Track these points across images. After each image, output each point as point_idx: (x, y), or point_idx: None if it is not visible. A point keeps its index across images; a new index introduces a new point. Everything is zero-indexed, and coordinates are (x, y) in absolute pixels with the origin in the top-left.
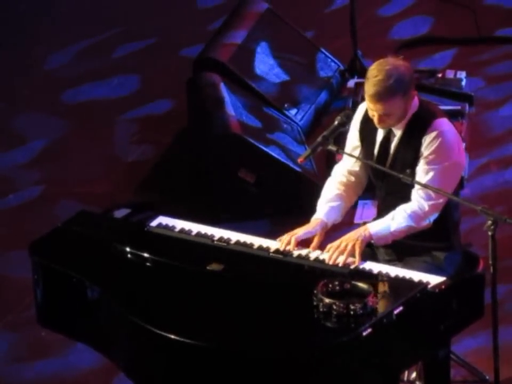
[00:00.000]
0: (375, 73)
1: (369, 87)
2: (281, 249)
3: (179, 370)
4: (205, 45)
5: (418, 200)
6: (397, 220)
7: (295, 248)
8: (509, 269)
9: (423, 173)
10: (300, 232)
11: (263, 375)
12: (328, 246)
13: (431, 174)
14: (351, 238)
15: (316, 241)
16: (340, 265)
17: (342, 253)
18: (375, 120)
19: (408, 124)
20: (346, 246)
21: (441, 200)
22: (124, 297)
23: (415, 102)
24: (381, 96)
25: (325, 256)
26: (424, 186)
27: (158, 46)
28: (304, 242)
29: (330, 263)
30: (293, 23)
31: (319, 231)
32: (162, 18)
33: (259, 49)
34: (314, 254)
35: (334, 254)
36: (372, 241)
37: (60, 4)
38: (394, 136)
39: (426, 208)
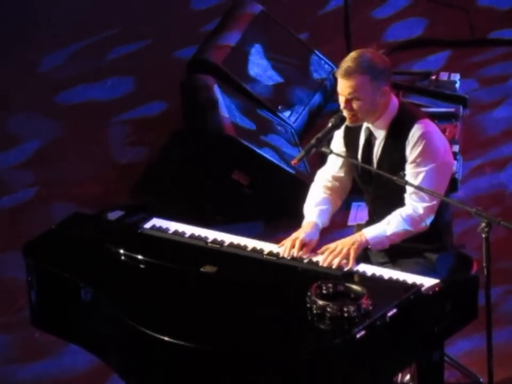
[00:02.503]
0: (353, 54)
1: (342, 64)
2: (286, 255)
3: (173, 372)
4: (199, 47)
5: (412, 204)
6: (392, 224)
7: (300, 252)
8: (502, 271)
9: (412, 177)
10: (301, 235)
11: (256, 377)
12: (324, 247)
13: (420, 177)
14: (346, 243)
15: (310, 245)
16: (333, 268)
17: (336, 256)
18: (342, 106)
19: (390, 127)
20: (341, 249)
21: (435, 202)
22: (118, 299)
23: (395, 104)
24: (350, 71)
25: (319, 258)
26: (418, 188)
27: (152, 48)
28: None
29: (324, 265)
30: (287, 25)
31: (317, 234)
32: (156, 20)
33: (253, 51)
34: (311, 257)
35: (328, 257)
36: (369, 246)
37: (54, 5)
38: (376, 139)
39: (421, 211)
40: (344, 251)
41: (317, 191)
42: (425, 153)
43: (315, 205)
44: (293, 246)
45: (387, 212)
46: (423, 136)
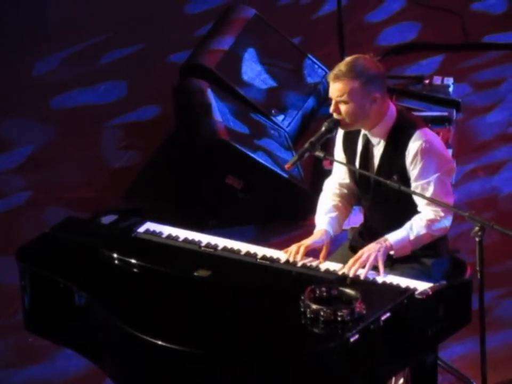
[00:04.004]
0: (347, 58)
1: (335, 67)
2: (290, 259)
3: (166, 376)
4: (192, 51)
5: (432, 210)
6: (415, 229)
7: (304, 258)
8: (496, 275)
9: (423, 189)
10: (308, 241)
11: (250, 382)
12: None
13: (432, 186)
14: (372, 249)
15: (324, 251)
16: (362, 277)
17: (364, 263)
18: (331, 108)
19: (389, 135)
20: (368, 256)
21: (451, 204)
22: (111, 303)
23: (393, 112)
24: (340, 74)
25: (313, 262)
26: (414, 193)
27: (145, 52)
28: (309, 254)
29: (351, 274)
30: (280, 29)
31: (326, 240)
32: (149, 24)
33: (246, 55)
34: (324, 266)
35: (355, 264)
36: (392, 253)
37: (48, 10)
38: (373, 146)
39: (442, 213)
40: (372, 258)
41: (326, 199)
42: (431, 162)
43: (325, 213)
44: (297, 252)
45: (384, 218)
46: (424, 145)
